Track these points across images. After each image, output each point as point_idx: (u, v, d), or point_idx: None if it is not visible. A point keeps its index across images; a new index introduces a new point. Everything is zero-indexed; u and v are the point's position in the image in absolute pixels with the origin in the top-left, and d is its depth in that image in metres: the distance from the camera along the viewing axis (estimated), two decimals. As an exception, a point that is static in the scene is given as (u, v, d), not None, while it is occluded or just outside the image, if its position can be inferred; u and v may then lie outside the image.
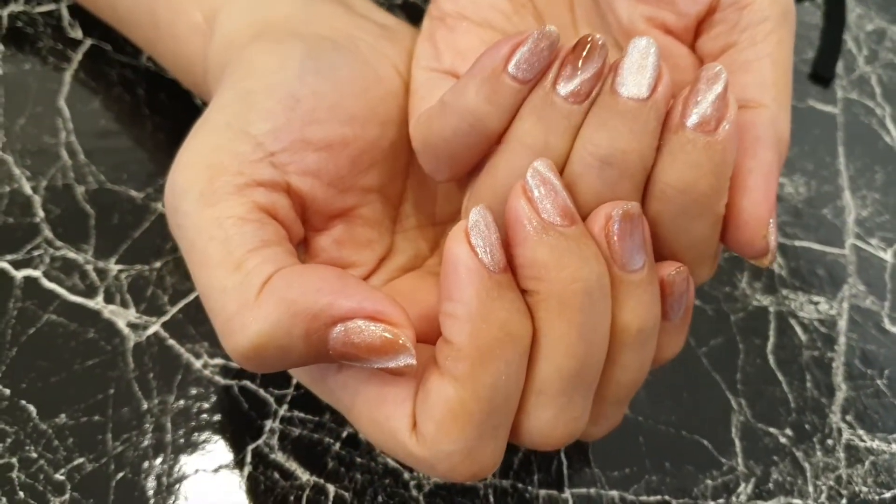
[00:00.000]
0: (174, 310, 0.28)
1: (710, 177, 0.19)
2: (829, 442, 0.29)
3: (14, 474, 0.25)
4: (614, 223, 0.19)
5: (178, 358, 0.28)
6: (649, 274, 0.20)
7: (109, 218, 0.30)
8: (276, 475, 0.26)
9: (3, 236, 0.29)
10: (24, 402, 0.26)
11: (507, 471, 0.27)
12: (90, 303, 0.28)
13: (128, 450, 0.26)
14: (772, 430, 0.29)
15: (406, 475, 0.26)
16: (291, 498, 0.26)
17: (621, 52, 0.20)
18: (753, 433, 0.29)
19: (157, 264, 0.29)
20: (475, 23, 0.24)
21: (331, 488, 0.26)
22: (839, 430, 0.29)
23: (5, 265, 0.28)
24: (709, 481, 0.28)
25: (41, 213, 0.30)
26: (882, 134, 0.37)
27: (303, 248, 0.23)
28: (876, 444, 0.29)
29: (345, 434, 0.27)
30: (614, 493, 0.27)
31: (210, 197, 0.20)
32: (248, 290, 0.19)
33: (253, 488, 0.26)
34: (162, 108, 0.33)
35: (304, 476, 0.26)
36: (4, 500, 0.25)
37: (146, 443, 0.26)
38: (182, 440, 0.26)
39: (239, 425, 0.27)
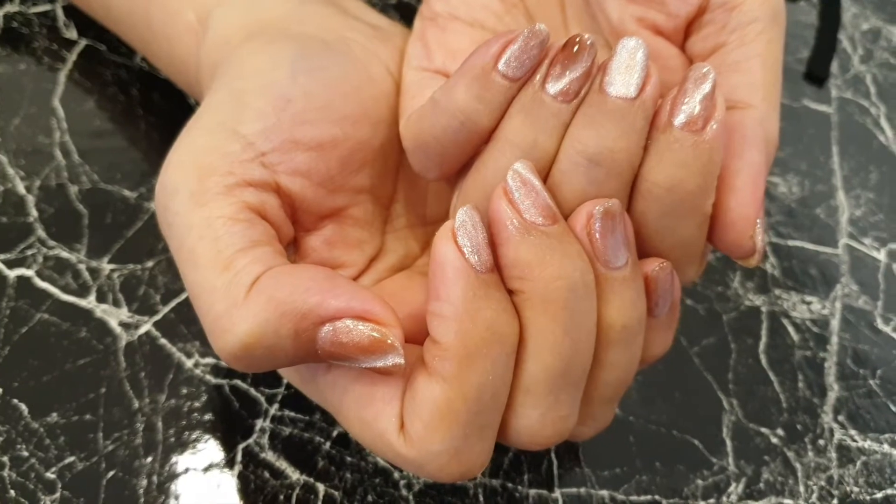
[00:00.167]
0: (166, 309, 0.28)
1: (698, 176, 0.19)
2: (821, 442, 0.29)
3: (5, 473, 0.25)
4: (596, 221, 0.19)
5: (169, 357, 0.28)
6: (633, 271, 0.20)
7: (102, 217, 0.30)
8: (267, 474, 0.26)
9: (-3, 236, 0.29)
10: (15, 400, 0.26)
11: (497, 470, 0.27)
12: (82, 302, 0.28)
13: (119, 448, 0.26)
14: (763, 429, 0.29)
15: (396, 474, 0.27)
16: (281, 497, 0.26)
17: (611, 52, 0.20)
18: (745, 433, 0.29)
19: (150, 264, 0.29)
20: (466, 23, 0.24)
21: (321, 487, 0.26)
22: (831, 430, 0.29)
23: (-2, 264, 0.29)
24: (700, 481, 0.28)
25: (34, 213, 0.30)
26: (876, 133, 0.37)
27: (293, 249, 0.23)
28: (868, 444, 0.29)
29: (335, 433, 0.27)
30: (604, 493, 0.27)
31: (200, 197, 0.20)
32: (237, 290, 0.19)
33: (243, 487, 0.26)
34: (156, 108, 0.33)
35: (295, 475, 0.26)
36: (-4, 498, 0.25)
37: (137, 442, 0.26)
38: (173, 439, 0.26)
39: (229, 424, 0.27)
